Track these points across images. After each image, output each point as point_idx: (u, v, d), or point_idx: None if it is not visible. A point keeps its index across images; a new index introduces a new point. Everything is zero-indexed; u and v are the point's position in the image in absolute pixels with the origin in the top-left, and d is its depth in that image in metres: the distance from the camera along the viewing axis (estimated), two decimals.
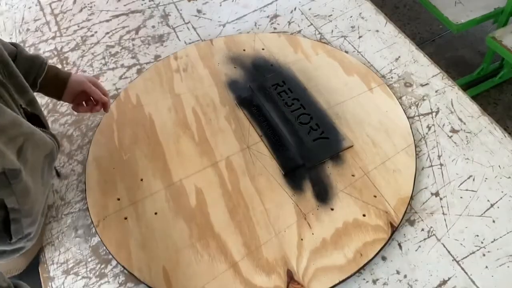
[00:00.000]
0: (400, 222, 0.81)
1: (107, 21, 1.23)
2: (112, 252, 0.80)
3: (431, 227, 0.82)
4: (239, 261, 0.78)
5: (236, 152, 0.92)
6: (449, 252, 0.79)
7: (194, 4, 1.26)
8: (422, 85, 1.03)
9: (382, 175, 0.87)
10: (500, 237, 0.80)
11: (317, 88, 1.01)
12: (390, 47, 1.11)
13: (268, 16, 1.20)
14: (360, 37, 1.14)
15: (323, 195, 0.85)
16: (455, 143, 0.93)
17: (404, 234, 0.81)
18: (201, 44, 1.12)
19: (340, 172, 0.88)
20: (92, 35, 1.19)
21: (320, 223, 0.82)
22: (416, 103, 1.00)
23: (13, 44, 0.82)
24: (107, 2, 1.29)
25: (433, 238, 0.81)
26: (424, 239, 0.81)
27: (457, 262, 0.78)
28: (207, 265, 0.78)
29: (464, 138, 0.93)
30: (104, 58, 1.13)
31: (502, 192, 0.85)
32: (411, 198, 0.84)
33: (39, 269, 0.81)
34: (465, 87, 1.66)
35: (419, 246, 0.80)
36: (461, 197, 0.85)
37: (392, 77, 1.05)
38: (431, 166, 0.90)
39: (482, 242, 0.79)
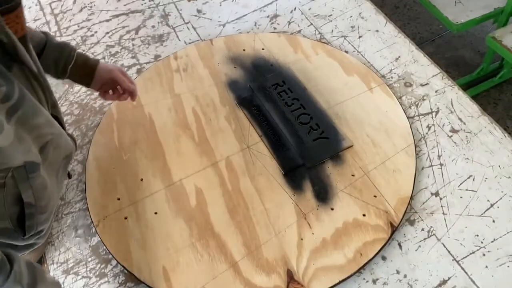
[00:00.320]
0: (400, 222, 0.81)
1: (107, 21, 1.23)
2: (112, 252, 0.80)
3: (431, 227, 0.82)
4: (239, 261, 0.78)
5: (236, 152, 0.92)
6: (449, 252, 0.79)
7: (194, 4, 1.26)
8: (422, 85, 1.03)
9: (382, 175, 0.87)
10: (500, 237, 0.80)
11: (317, 88, 1.01)
12: (390, 47, 1.11)
13: (268, 16, 1.21)
14: (360, 37, 1.14)
15: (323, 195, 0.85)
16: (455, 143, 0.93)
17: (404, 234, 0.81)
18: (201, 44, 1.12)
19: (340, 172, 0.88)
20: (92, 35, 1.19)
21: (320, 223, 0.82)
22: (416, 103, 1.00)
23: (42, 32, 0.83)
24: (107, 2, 1.29)
25: (433, 238, 0.80)
26: (424, 239, 0.81)
27: (457, 262, 0.78)
28: (207, 265, 0.78)
29: (464, 138, 0.93)
30: (104, 58, 1.13)
31: (502, 192, 0.85)
32: (411, 198, 0.84)
33: None
34: (465, 87, 1.66)
35: (419, 246, 0.80)
36: (461, 197, 0.85)
37: (392, 77, 1.05)
38: (431, 166, 0.90)
39: (482, 242, 0.79)
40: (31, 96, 0.63)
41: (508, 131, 1.00)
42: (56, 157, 0.72)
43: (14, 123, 0.59)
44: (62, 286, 0.78)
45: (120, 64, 1.11)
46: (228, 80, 1.04)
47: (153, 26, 1.20)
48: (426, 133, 0.94)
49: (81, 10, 1.27)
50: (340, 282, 0.75)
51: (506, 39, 1.57)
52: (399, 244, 0.80)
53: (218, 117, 0.98)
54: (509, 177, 0.87)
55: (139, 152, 0.93)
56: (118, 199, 0.86)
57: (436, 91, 1.01)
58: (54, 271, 0.80)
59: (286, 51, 1.09)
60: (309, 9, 1.22)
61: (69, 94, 1.06)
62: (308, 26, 1.17)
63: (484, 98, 1.96)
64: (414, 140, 0.92)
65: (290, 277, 0.76)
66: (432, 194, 0.86)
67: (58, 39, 1.06)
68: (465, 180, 0.87)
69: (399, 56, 1.09)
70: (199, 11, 1.24)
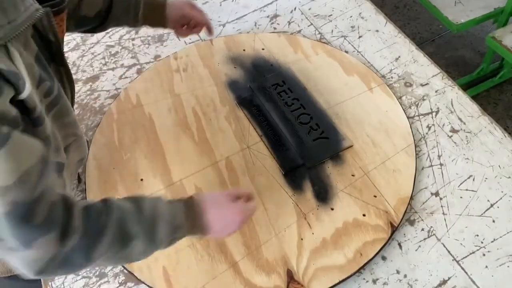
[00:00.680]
0: (400, 222, 0.81)
1: None
2: None
3: (431, 227, 0.82)
4: (239, 261, 0.78)
5: (236, 152, 0.92)
6: (449, 252, 0.79)
7: None
8: (422, 85, 1.03)
9: (382, 175, 0.87)
10: (500, 237, 0.80)
11: (317, 88, 1.01)
12: (390, 47, 1.11)
13: (268, 16, 1.21)
14: (360, 37, 1.14)
15: (323, 195, 0.85)
16: (455, 143, 0.93)
17: (404, 234, 0.81)
18: (201, 44, 1.12)
19: (340, 172, 0.88)
20: (92, 35, 1.19)
21: (320, 223, 0.82)
22: (416, 103, 1.00)
23: None
24: None
25: (433, 238, 0.81)
26: (424, 239, 0.81)
27: (457, 262, 0.78)
28: (207, 265, 0.78)
29: (464, 138, 0.93)
30: (104, 58, 1.13)
31: (502, 192, 0.85)
32: (411, 198, 0.84)
33: None
34: (465, 87, 1.66)
35: (419, 246, 0.80)
36: (461, 197, 0.85)
37: (392, 77, 1.05)
38: (431, 166, 0.90)
39: (482, 242, 0.80)
40: (65, 95, 0.64)
41: (508, 131, 1.00)
42: (74, 159, 0.71)
43: (51, 118, 0.60)
44: (62, 286, 0.78)
45: (120, 64, 1.11)
46: (228, 80, 1.04)
47: None
48: (426, 133, 0.94)
49: None
50: (340, 282, 0.75)
51: (506, 39, 1.57)
52: (399, 244, 0.80)
53: (218, 117, 0.98)
54: (509, 177, 0.87)
55: (139, 152, 0.93)
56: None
57: (436, 91, 1.01)
58: None
59: (286, 51, 1.09)
60: (309, 9, 1.22)
61: None
62: (308, 26, 1.17)
63: (484, 98, 1.96)
64: (414, 140, 0.92)
65: (290, 277, 0.76)
66: (432, 194, 0.86)
67: None
68: (465, 180, 0.87)
69: (399, 56, 1.09)
70: None
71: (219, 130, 0.96)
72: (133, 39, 1.17)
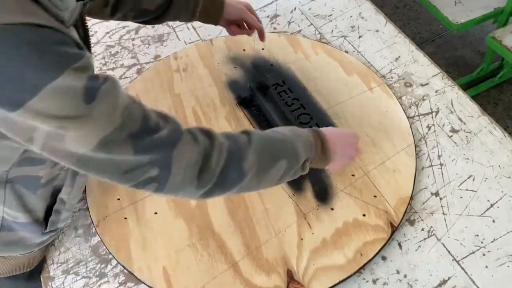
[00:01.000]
0: (400, 222, 0.81)
1: (107, 20, 1.23)
2: (112, 252, 0.80)
3: (431, 227, 0.82)
4: (239, 261, 0.78)
5: None
6: (449, 252, 0.79)
7: None
8: (422, 85, 1.03)
9: (382, 175, 0.87)
10: (500, 237, 0.80)
11: (317, 88, 1.01)
12: (390, 47, 1.11)
13: (268, 16, 1.20)
14: (360, 37, 1.14)
15: (323, 195, 0.85)
16: (455, 143, 0.93)
17: (404, 234, 0.81)
18: (201, 44, 1.12)
19: (340, 172, 0.88)
20: (92, 35, 1.19)
21: (320, 223, 0.82)
22: (416, 103, 1.00)
23: None
24: None
25: (433, 238, 0.81)
26: (424, 239, 0.81)
27: (457, 262, 0.78)
28: (207, 265, 0.78)
29: (464, 138, 0.93)
30: (104, 58, 1.13)
31: (502, 192, 0.85)
32: (411, 198, 0.84)
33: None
34: (465, 87, 1.66)
35: (419, 246, 0.80)
36: (461, 197, 0.85)
37: (392, 77, 1.05)
38: (431, 166, 0.90)
39: (482, 242, 0.79)
40: None
41: (508, 131, 1.00)
42: None
43: None
44: (62, 286, 0.78)
45: (120, 64, 1.11)
46: (228, 80, 1.04)
47: (153, 26, 1.20)
48: (426, 133, 0.94)
49: None
50: (340, 282, 0.75)
51: (506, 39, 1.57)
52: (399, 244, 0.80)
53: (218, 117, 0.98)
54: (509, 177, 0.87)
55: None
56: (118, 199, 0.86)
57: (436, 91, 1.01)
58: (54, 271, 0.80)
59: (286, 51, 1.09)
60: (309, 9, 1.22)
61: None
62: (308, 26, 1.17)
63: (484, 98, 1.96)
64: (414, 140, 0.91)
65: (290, 277, 0.76)
66: (432, 194, 0.86)
67: None
68: (465, 180, 0.87)
69: (399, 56, 1.09)
70: None
71: (219, 130, 0.95)
72: (133, 39, 1.17)
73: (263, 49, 1.10)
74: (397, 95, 1.00)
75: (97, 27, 1.21)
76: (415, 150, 0.90)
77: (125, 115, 0.52)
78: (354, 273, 0.76)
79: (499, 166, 0.89)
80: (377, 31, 1.15)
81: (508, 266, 0.77)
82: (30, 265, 0.78)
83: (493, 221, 0.82)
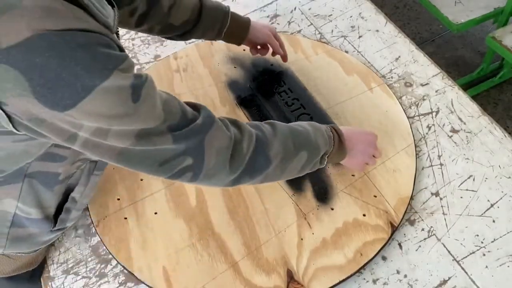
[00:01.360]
0: (400, 222, 0.81)
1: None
2: (112, 252, 0.80)
3: (431, 227, 0.82)
4: (239, 261, 0.78)
5: None
6: (449, 252, 0.79)
7: None
8: (422, 85, 1.03)
9: (382, 175, 0.87)
10: (500, 237, 0.80)
11: (317, 88, 1.01)
12: (390, 47, 1.11)
13: (268, 16, 1.20)
14: (360, 37, 1.14)
15: (323, 195, 0.85)
16: (455, 143, 0.93)
17: (404, 234, 0.81)
18: (201, 44, 1.12)
19: (340, 172, 0.88)
20: None
21: (320, 223, 0.82)
22: (416, 103, 1.00)
23: None
24: None
25: (433, 238, 0.80)
26: (424, 239, 0.81)
27: (457, 262, 0.78)
28: (207, 265, 0.78)
29: (464, 138, 0.93)
30: None
31: (502, 192, 0.85)
32: (411, 198, 0.84)
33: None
34: (465, 87, 1.66)
35: (419, 246, 0.80)
36: (461, 197, 0.85)
37: (392, 77, 1.05)
38: (431, 166, 0.89)
39: (482, 242, 0.79)
40: None
41: (508, 131, 1.00)
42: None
43: None
44: (62, 286, 0.78)
45: None
46: (228, 80, 1.04)
47: None
48: (426, 133, 0.94)
49: None
50: (340, 282, 0.75)
51: (506, 39, 1.57)
52: (399, 244, 0.80)
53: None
54: (509, 177, 0.87)
55: None
56: (118, 199, 0.86)
57: (436, 91, 1.01)
58: (54, 271, 0.80)
59: (285, 48, 1.09)
60: (309, 9, 1.22)
61: None
62: (308, 26, 1.17)
63: (484, 98, 1.96)
64: (414, 140, 0.91)
65: (290, 277, 0.76)
66: (432, 194, 0.86)
67: None
68: (465, 180, 0.87)
69: (399, 56, 1.09)
70: None
71: None
72: (133, 39, 1.17)
73: None
74: (397, 95, 1.00)
75: None
76: (415, 150, 0.90)
77: (166, 110, 0.56)
78: (354, 273, 0.76)
79: (499, 166, 0.89)
80: (377, 31, 1.15)
81: (508, 266, 0.77)
82: (32, 264, 0.78)
83: (493, 221, 0.82)
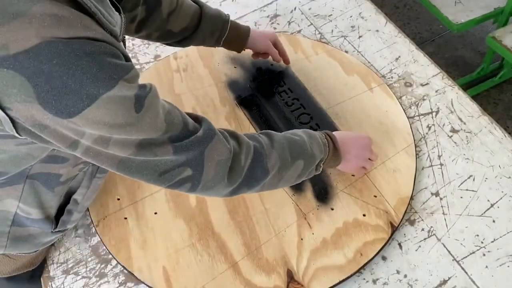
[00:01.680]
0: (400, 222, 0.81)
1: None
2: (112, 252, 0.80)
3: (431, 227, 0.82)
4: (239, 261, 0.78)
5: None
6: (449, 252, 0.79)
7: None
8: (422, 85, 1.03)
9: (382, 175, 0.87)
10: (500, 237, 0.80)
11: (317, 88, 1.01)
12: (390, 47, 1.11)
13: (268, 16, 1.20)
14: (360, 37, 1.14)
15: (323, 195, 0.85)
16: (455, 143, 0.92)
17: (404, 234, 0.81)
18: None
19: (340, 172, 0.88)
20: None
21: (320, 223, 0.82)
22: (416, 103, 1.00)
23: (196, 2, 0.89)
24: None
25: (433, 238, 0.80)
26: (424, 239, 0.81)
27: (457, 262, 0.78)
28: (207, 265, 0.78)
29: (464, 138, 0.93)
30: None
31: (502, 192, 0.85)
32: (411, 198, 0.84)
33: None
34: (465, 87, 1.66)
35: (419, 246, 0.80)
36: (461, 197, 0.85)
37: (392, 77, 1.05)
38: (431, 166, 0.89)
39: (482, 242, 0.79)
40: None
41: (508, 131, 1.00)
42: None
43: None
44: (62, 286, 0.78)
45: None
46: (228, 80, 1.04)
47: None
48: (426, 133, 0.94)
49: None
50: (340, 282, 0.75)
51: (506, 39, 1.57)
52: (399, 244, 0.80)
53: (218, 117, 0.98)
54: (509, 177, 0.87)
55: None
56: (118, 199, 0.86)
57: (436, 91, 1.01)
58: (54, 271, 0.80)
59: (286, 51, 1.09)
60: (309, 9, 1.22)
61: None
62: (308, 26, 1.17)
63: (484, 98, 1.96)
64: (414, 140, 0.91)
65: (290, 277, 0.76)
66: (432, 194, 0.86)
67: None
68: (465, 180, 0.87)
69: (399, 56, 1.09)
70: None
71: None
72: (133, 39, 1.17)
73: None
74: (397, 95, 1.00)
75: None
76: (415, 150, 0.90)
77: (168, 121, 0.56)
78: (354, 273, 0.76)
79: (499, 166, 0.89)
80: (377, 31, 1.15)
81: (508, 266, 0.77)
82: (32, 264, 0.78)
83: (493, 221, 0.82)
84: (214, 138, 0.61)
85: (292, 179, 0.73)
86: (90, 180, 0.74)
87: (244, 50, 0.99)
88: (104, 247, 0.81)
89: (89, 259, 0.81)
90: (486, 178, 0.87)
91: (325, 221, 0.82)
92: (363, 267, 0.77)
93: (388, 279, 0.77)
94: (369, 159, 0.83)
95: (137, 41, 1.16)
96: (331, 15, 1.20)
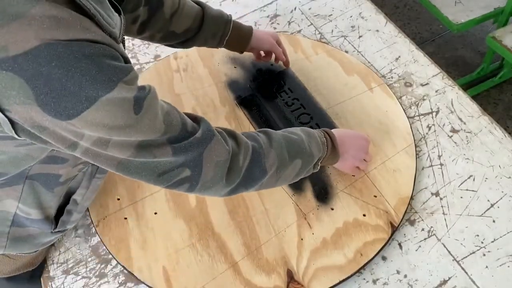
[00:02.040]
0: (400, 222, 0.81)
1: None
2: (112, 252, 0.80)
3: (431, 227, 0.82)
4: (239, 261, 0.78)
5: None
6: (449, 252, 0.79)
7: None
8: (422, 85, 1.03)
9: (382, 175, 0.87)
10: (500, 237, 0.80)
11: (317, 88, 1.01)
12: (390, 47, 1.11)
13: (268, 16, 1.20)
14: (360, 37, 1.14)
15: (323, 195, 0.85)
16: (455, 143, 0.92)
17: (404, 234, 0.81)
18: None
19: (340, 172, 0.88)
20: None
21: (320, 223, 0.82)
22: (416, 103, 1.00)
23: (198, 3, 0.89)
24: None
25: (433, 238, 0.80)
26: (425, 239, 0.81)
27: (457, 262, 0.78)
28: (207, 265, 0.78)
29: (464, 138, 0.93)
30: None
31: (502, 192, 0.85)
32: (411, 198, 0.84)
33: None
34: (465, 87, 1.66)
35: (419, 246, 0.80)
36: (461, 197, 0.85)
37: (392, 77, 1.05)
38: (431, 166, 0.89)
39: (482, 242, 0.79)
40: None
41: (508, 131, 1.00)
42: None
43: None
44: (62, 286, 0.78)
45: None
46: (228, 80, 1.04)
47: None
48: (426, 133, 0.94)
49: None
50: (340, 282, 0.75)
51: (506, 39, 1.57)
52: (399, 244, 0.80)
53: (218, 117, 0.98)
54: (509, 177, 0.87)
55: None
56: (118, 199, 0.86)
57: (436, 91, 1.01)
58: (54, 271, 0.80)
59: (286, 51, 1.09)
60: (309, 9, 1.22)
61: None
62: (308, 26, 1.17)
63: (484, 98, 1.96)
64: (414, 140, 0.91)
65: (290, 277, 0.76)
66: (432, 194, 0.86)
67: None
68: (465, 180, 0.87)
69: (399, 56, 1.09)
70: None
71: None
72: (132, 39, 1.17)
73: None
74: (397, 95, 1.00)
75: None
76: (415, 150, 0.90)
77: (167, 122, 0.56)
78: (354, 273, 0.76)
79: (499, 166, 0.88)
80: (377, 31, 1.15)
81: (508, 266, 0.77)
82: (32, 264, 0.78)
83: (493, 221, 0.82)
84: (213, 139, 0.61)
85: (290, 178, 0.73)
86: (90, 180, 0.74)
87: (247, 52, 0.99)
88: (104, 247, 0.81)
89: (89, 259, 0.81)
90: (486, 178, 0.87)
91: (325, 221, 0.82)
92: (363, 267, 0.77)
93: (388, 279, 0.77)
94: (364, 160, 0.84)
95: (137, 41, 1.16)
96: (331, 15, 1.20)
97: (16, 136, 0.50)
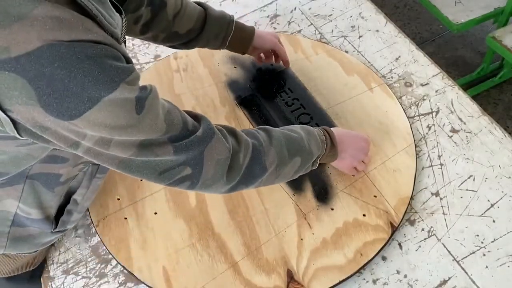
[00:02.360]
0: (400, 222, 0.81)
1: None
2: (112, 252, 0.80)
3: (431, 227, 0.82)
4: (239, 261, 0.78)
5: None
6: (449, 252, 0.79)
7: None
8: (422, 85, 1.03)
9: (382, 175, 0.87)
10: (500, 237, 0.80)
11: (317, 88, 1.01)
12: (390, 47, 1.11)
13: (268, 16, 1.20)
14: (360, 37, 1.14)
15: (323, 195, 0.85)
16: (455, 143, 0.92)
17: (404, 234, 0.81)
18: None
19: (340, 172, 0.88)
20: None
21: (320, 223, 0.82)
22: (416, 103, 1.00)
23: (200, 4, 0.89)
24: None
25: (433, 238, 0.80)
26: (425, 239, 0.81)
27: (457, 262, 0.78)
28: (207, 265, 0.78)
29: (464, 138, 0.93)
30: None
31: (502, 192, 0.85)
32: (411, 198, 0.84)
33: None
34: (465, 87, 1.66)
35: (419, 246, 0.80)
36: (461, 197, 0.85)
37: (392, 77, 1.05)
38: (431, 166, 0.89)
39: (482, 242, 0.79)
40: None
41: (508, 131, 1.00)
42: None
43: None
44: (62, 286, 0.78)
45: None
46: (228, 80, 1.04)
47: None
48: (426, 133, 0.94)
49: None
50: (340, 282, 0.75)
51: (506, 39, 1.57)
52: (399, 244, 0.80)
53: (218, 117, 0.98)
54: (509, 177, 0.87)
55: None
56: (118, 199, 0.86)
57: (436, 91, 1.01)
58: (54, 271, 0.80)
59: (286, 51, 1.09)
60: (309, 9, 1.22)
61: None
62: (308, 26, 1.17)
63: (484, 98, 1.96)
64: (414, 140, 0.91)
65: (290, 277, 0.76)
66: (432, 194, 0.86)
67: None
68: (465, 180, 0.87)
69: (399, 56, 1.09)
70: None
71: None
72: (133, 39, 1.16)
73: None
74: (397, 95, 1.00)
75: None
76: (415, 150, 0.90)
77: (168, 121, 0.57)
78: (354, 273, 0.76)
79: (499, 166, 0.88)
80: (377, 31, 1.15)
81: (508, 266, 0.77)
82: (32, 264, 0.78)
83: (493, 221, 0.82)
84: (214, 138, 0.61)
85: (289, 175, 0.73)
86: (90, 180, 0.74)
87: (249, 54, 0.98)
88: (104, 247, 0.81)
89: (89, 259, 0.81)
90: (486, 178, 0.87)
91: (325, 221, 0.82)
92: (363, 267, 0.77)
93: (388, 279, 0.77)
94: (362, 161, 0.84)
95: (137, 41, 1.16)
96: (331, 15, 1.20)
97: (18, 136, 0.50)
